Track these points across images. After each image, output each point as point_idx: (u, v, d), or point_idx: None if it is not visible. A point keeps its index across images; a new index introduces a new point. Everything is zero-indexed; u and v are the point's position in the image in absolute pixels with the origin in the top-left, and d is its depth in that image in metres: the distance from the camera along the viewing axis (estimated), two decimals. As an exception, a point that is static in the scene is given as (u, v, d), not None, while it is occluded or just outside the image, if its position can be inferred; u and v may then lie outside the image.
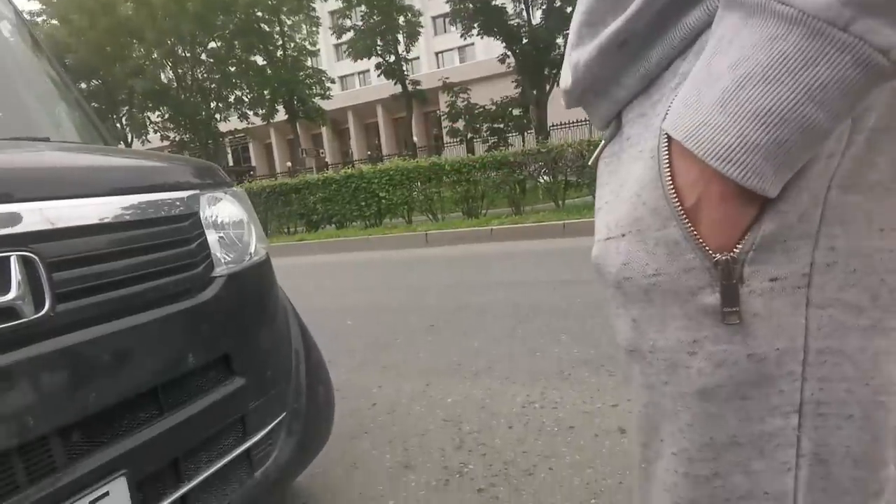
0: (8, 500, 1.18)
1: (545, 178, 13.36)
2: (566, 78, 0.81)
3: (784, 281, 0.60)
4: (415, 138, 40.25)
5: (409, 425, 3.20)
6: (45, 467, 1.26)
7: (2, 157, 1.60)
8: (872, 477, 0.65)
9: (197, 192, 1.79)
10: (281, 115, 38.67)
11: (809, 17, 0.49)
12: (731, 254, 0.60)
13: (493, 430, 3.01)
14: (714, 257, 0.60)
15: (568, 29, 0.88)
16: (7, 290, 1.21)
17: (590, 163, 0.89)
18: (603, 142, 0.81)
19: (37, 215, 1.31)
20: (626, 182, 0.70)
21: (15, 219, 1.27)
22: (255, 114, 38.33)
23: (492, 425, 3.07)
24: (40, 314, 1.25)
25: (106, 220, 1.47)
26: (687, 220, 0.61)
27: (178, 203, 1.70)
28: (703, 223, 0.60)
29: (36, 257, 1.26)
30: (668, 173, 0.62)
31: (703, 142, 0.56)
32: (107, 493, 1.33)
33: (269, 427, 1.90)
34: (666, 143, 0.62)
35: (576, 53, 0.75)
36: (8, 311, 1.21)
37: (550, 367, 3.78)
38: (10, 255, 1.23)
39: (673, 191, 0.62)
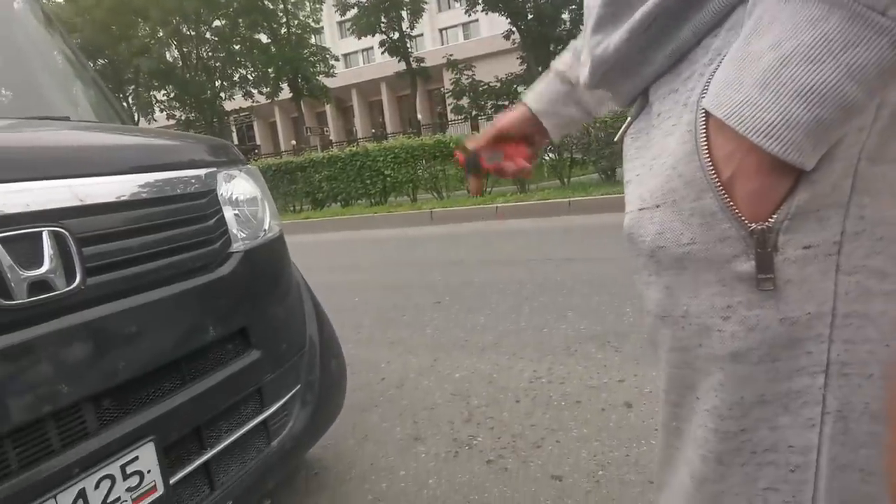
0: (45, 463, 1.24)
1: (550, 155, 13.32)
2: (585, 62, 0.84)
3: (816, 248, 0.63)
4: (419, 116, 40.14)
5: (418, 399, 3.26)
6: (78, 432, 1.32)
7: (29, 135, 1.65)
8: (887, 432, 0.69)
9: (214, 169, 1.84)
10: (285, 94, 38.52)
11: (851, 0, 0.52)
12: (767, 223, 0.63)
13: (500, 403, 3.07)
14: (749, 227, 0.64)
15: (573, 4, 0.92)
16: (40, 263, 1.26)
17: (615, 139, 0.93)
18: (629, 118, 0.84)
19: (66, 192, 1.36)
20: (659, 156, 0.74)
21: (46, 195, 1.32)
22: (260, 92, 38.22)
23: (499, 399, 3.12)
24: (72, 287, 1.30)
25: (131, 197, 1.52)
26: (723, 192, 0.64)
27: (197, 180, 1.75)
28: (739, 194, 0.64)
29: (66, 232, 1.31)
30: (706, 147, 0.65)
31: (745, 119, 0.59)
32: (136, 458, 1.38)
33: (285, 399, 1.96)
34: (703, 119, 0.65)
35: (601, 37, 0.78)
36: (41, 284, 1.26)
37: (557, 343, 3.83)
38: (42, 231, 1.27)
39: (710, 164, 0.65)
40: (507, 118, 1.20)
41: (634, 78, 0.78)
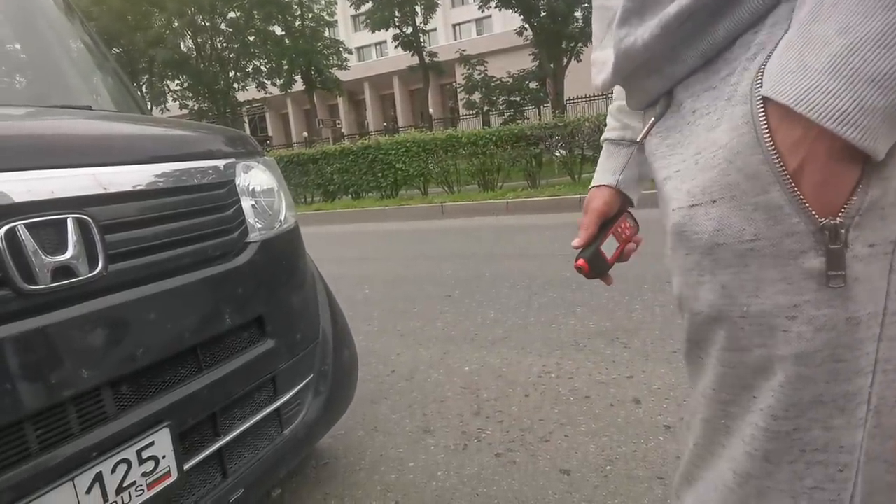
0: (63, 446, 1.26)
1: (561, 151, 13.30)
2: (606, 60, 0.84)
3: (878, 247, 0.63)
4: (431, 110, 40.08)
5: (428, 391, 3.28)
6: (97, 417, 1.34)
7: (54, 124, 1.67)
8: None
9: (233, 160, 1.86)
10: (298, 86, 38.53)
11: None
12: (839, 218, 0.61)
13: (509, 397, 3.09)
14: (820, 221, 0.62)
15: (585, 2, 0.91)
16: (64, 249, 1.28)
17: (638, 139, 0.92)
18: (653, 119, 0.83)
19: (90, 180, 1.38)
20: (703, 150, 0.71)
21: (70, 183, 1.34)
22: (273, 84, 38.23)
23: (508, 393, 3.14)
24: (94, 273, 1.33)
25: (153, 186, 1.55)
26: (791, 184, 0.62)
27: (217, 171, 1.77)
28: (808, 186, 0.62)
29: (90, 220, 1.33)
30: (769, 138, 0.63)
31: (815, 105, 0.57)
32: (152, 443, 1.41)
33: (298, 387, 1.98)
34: (762, 109, 0.63)
35: (626, 31, 0.77)
36: (65, 270, 1.28)
37: (566, 338, 3.84)
38: (66, 217, 1.30)
39: (776, 154, 0.62)
40: (597, 206, 1.16)
41: (661, 77, 0.78)
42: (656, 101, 0.82)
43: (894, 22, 0.53)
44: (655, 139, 0.83)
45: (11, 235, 1.20)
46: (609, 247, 1.15)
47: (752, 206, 0.66)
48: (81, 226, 1.32)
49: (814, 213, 0.62)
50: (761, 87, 0.63)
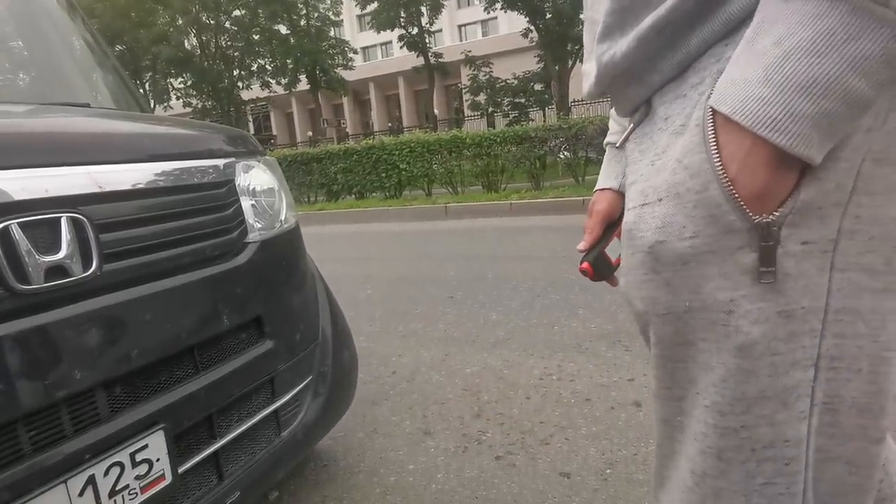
0: (55, 448, 1.25)
1: (565, 153, 13.30)
2: (591, 69, 0.85)
3: (814, 245, 0.65)
4: (436, 111, 40.10)
5: (429, 393, 3.26)
6: (90, 418, 1.33)
7: (50, 121, 1.65)
8: (874, 425, 0.71)
9: (233, 160, 1.85)
10: (303, 85, 38.60)
11: None
12: (772, 216, 0.64)
13: (510, 400, 3.07)
14: (754, 219, 0.64)
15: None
16: (58, 249, 1.27)
17: (617, 144, 0.93)
18: (632, 125, 0.85)
19: (85, 178, 1.36)
20: (664, 152, 0.74)
21: (65, 181, 1.32)
22: (278, 83, 38.29)
23: (509, 395, 3.12)
24: (88, 273, 1.31)
25: (150, 185, 1.53)
26: (729, 183, 0.64)
27: (216, 170, 1.75)
28: (744, 189, 0.64)
29: (85, 219, 1.32)
30: (713, 140, 0.65)
31: (749, 114, 0.60)
32: (146, 446, 1.39)
33: (297, 389, 1.97)
34: (710, 117, 0.65)
35: (607, 45, 0.79)
36: (58, 270, 1.26)
37: (567, 341, 3.82)
38: (60, 217, 1.28)
39: (717, 155, 0.65)
40: (601, 208, 1.20)
41: (641, 85, 0.79)
42: (638, 107, 0.84)
43: (824, 30, 0.55)
44: (631, 144, 0.85)
45: (5, 234, 1.19)
46: (613, 249, 1.16)
47: (693, 203, 0.69)
48: (76, 225, 1.30)
49: (748, 211, 0.65)
50: (711, 97, 0.66)
